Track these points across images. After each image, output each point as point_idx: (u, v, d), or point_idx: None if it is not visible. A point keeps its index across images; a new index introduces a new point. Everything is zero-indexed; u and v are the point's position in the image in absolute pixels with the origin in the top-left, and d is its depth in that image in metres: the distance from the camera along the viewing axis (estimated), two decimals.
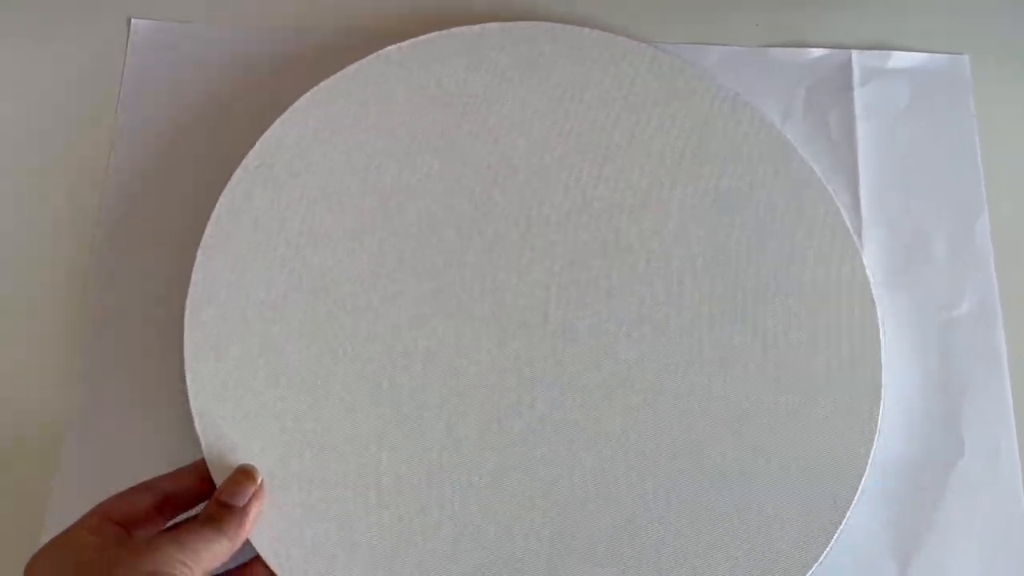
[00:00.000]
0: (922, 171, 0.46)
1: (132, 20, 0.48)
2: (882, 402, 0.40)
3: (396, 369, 0.41)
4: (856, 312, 0.42)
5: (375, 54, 0.45)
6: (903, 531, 0.41)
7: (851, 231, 0.43)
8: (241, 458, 0.38)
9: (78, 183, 0.45)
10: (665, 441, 0.40)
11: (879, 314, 0.41)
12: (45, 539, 0.39)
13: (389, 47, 0.45)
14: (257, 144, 0.43)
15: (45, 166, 0.46)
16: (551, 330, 0.41)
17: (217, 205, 0.42)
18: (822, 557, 0.38)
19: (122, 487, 0.36)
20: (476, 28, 0.46)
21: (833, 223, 0.43)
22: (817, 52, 0.48)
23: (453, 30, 0.46)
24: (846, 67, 0.48)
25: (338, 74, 0.45)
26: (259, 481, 0.37)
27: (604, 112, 0.45)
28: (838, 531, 0.39)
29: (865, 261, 0.42)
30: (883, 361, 0.41)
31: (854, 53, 0.48)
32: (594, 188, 0.44)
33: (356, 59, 0.45)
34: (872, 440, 0.40)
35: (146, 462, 0.39)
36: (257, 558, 0.37)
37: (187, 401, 0.39)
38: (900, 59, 0.48)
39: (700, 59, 0.48)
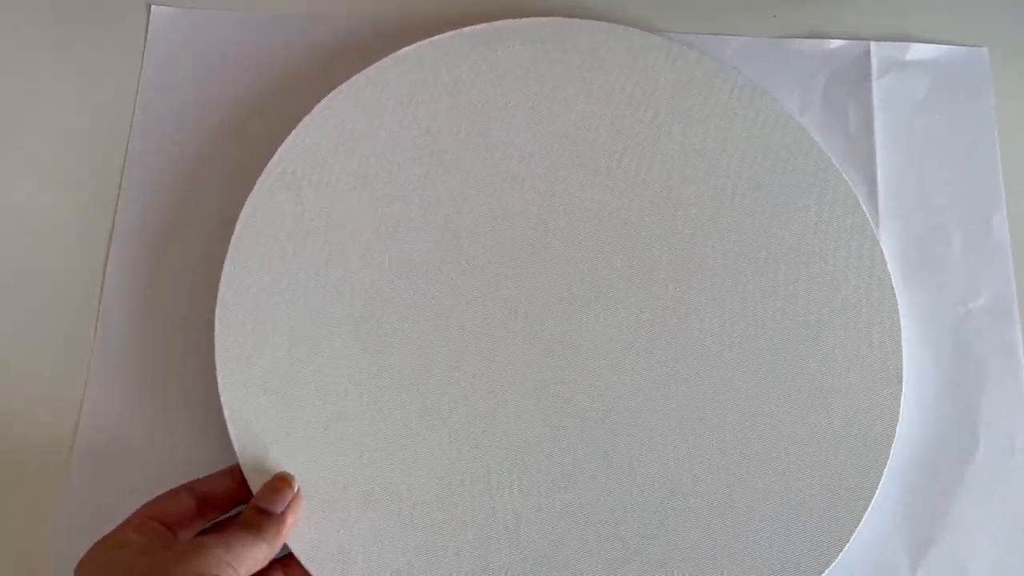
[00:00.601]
0: (940, 164, 0.46)
1: (152, 6, 0.48)
2: (903, 397, 0.40)
3: (430, 373, 0.40)
4: (876, 304, 0.42)
5: (391, 56, 0.45)
6: (917, 525, 0.41)
7: (871, 223, 0.43)
8: (276, 463, 0.38)
9: (95, 175, 0.45)
10: (690, 439, 0.40)
11: (899, 307, 0.42)
12: (48, 544, 0.39)
13: (405, 48, 0.45)
14: (278, 152, 0.43)
15: (62, 157, 0.45)
16: (580, 328, 0.41)
17: (243, 211, 0.42)
18: (843, 552, 0.38)
19: (132, 494, 0.36)
20: (491, 25, 0.46)
21: (853, 215, 0.43)
22: (835, 43, 0.48)
23: (468, 29, 0.45)
24: (864, 59, 0.48)
25: (354, 77, 0.44)
26: (296, 488, 0.37)
27: (623, 105, 0.45)
28: (859, 525, 0.39)
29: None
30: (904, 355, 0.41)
31: (872, 44, 0.48)
32: (615, 181, 0.44)
33: (379, 44, 0.45)
34: (892, 436, 0.40)
35: (165, 466, 0.40)
36: (291, 555, 0.38)
37: (211, 406, 0.39)
38: (919, 51, 0.48)
39: (718, 50, 0.48)
